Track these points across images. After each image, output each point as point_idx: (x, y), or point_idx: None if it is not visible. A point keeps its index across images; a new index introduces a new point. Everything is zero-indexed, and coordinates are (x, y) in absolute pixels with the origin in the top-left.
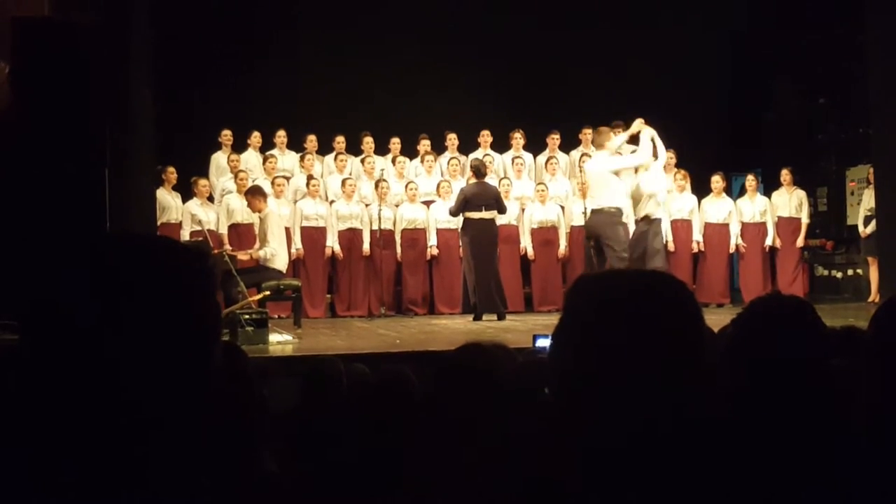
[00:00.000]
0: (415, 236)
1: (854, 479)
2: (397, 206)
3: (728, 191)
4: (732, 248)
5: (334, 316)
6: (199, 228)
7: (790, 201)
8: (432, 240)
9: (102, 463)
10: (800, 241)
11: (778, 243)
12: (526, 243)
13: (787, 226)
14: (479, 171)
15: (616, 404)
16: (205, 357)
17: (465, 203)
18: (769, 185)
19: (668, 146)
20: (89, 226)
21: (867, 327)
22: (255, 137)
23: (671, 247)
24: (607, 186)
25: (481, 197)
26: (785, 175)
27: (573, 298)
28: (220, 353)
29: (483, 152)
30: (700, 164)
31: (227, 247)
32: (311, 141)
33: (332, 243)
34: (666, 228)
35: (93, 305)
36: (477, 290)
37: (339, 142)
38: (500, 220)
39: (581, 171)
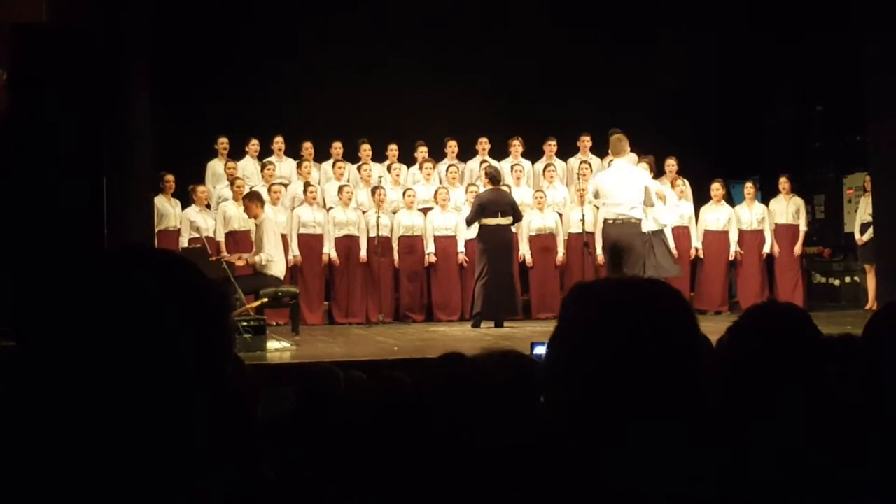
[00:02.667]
0: (412, 243)
1: (851, 483)
2: (394, 212)
3: (728, 198)
4: (732, 256)
5: (332, 323)
6: (197, 235)
7: (788, 208)
8: (430, 247)
9: (105, 472)
10: (797, 249)
11: (776, 250)
12: (524, 250)
13: (784, 233)
14: (494, 177)
15: (611, 412)
16: (218, 377)
17: (481, 209)
18: (767, 193)
19: (668, 153)
20: (87, 233)
21: (862, 334)
22: (253, 145)
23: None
24: (638, 197)
25: (497, 203)
26: (783, 182)
27: (569, 306)
28: (231, 374)
29: (481, 159)
30: (699, 171)
31: (225, 254)
32: (309, 148)
33: (330, 250)
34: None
35: (111, 318)
36: (484, 297)
37: (337, 148)
38: None
39: (581, 177)
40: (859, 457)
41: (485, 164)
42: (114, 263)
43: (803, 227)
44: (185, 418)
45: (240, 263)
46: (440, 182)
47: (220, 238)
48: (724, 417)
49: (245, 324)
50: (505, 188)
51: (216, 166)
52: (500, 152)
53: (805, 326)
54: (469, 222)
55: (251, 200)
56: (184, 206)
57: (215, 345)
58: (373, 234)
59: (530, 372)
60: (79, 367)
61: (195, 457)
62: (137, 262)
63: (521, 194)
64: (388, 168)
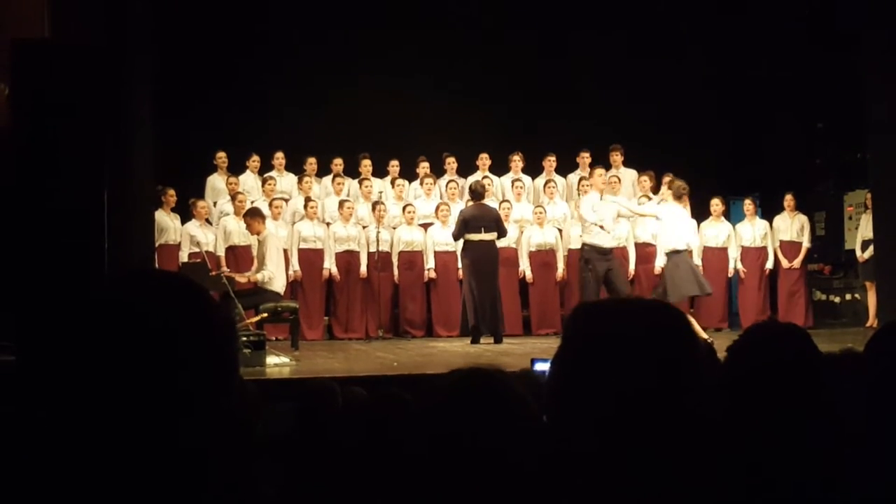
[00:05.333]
0: (412, 259)
1: (852, 499)
2: (395, 228)
3: (727, 214)
4: (731, 273)
5: (332, 338)
6: (197, 250)
7: (792, 226)
8: (430, 262)
9: (107, 490)
10: (796, 263)
11: (782, 266)
12: (524, 266)
13: (789, 250)
14: (477, 193)
15: (615, 431)
16: (222, 399)
17: (465, 225)
18: (767, 210)
19: (667, 169)
20: (88, 248)
21: (863, 351)
22: (254, 160)
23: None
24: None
25: (480, 219)
26: (788, 200)
27: (573, 326)
28: (235, 396)
29: (482, 175)
30: (699, 187)
31: (225, 269)
32: (310, 163)
33: (330, 265)
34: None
35: (118, 342)
36: (476, 312)
37: (337, 164)
38: (499, 242)
39: (581, 193)
40: (862, 473)
41: (485, 180)
42: (122, 287)
43: (806, 245)
44: (188, 438)
45: (242, 280)
46: (441, 197)
47: (221, 253)
48: (725, 435)
49: (245, 339)
50: (491, 204)
51: (216, 181)
52: (500, 168)
53: (805, 345)
54: (455, 238)
55: (253, 217)
56: (184, 221)
57: (221, 368)
58: (373, 249)
59: (495, 385)
60: (83, 386)
61: (196, 475)
62: (144, 285)
63: (522, 210)
64: (392, 183)
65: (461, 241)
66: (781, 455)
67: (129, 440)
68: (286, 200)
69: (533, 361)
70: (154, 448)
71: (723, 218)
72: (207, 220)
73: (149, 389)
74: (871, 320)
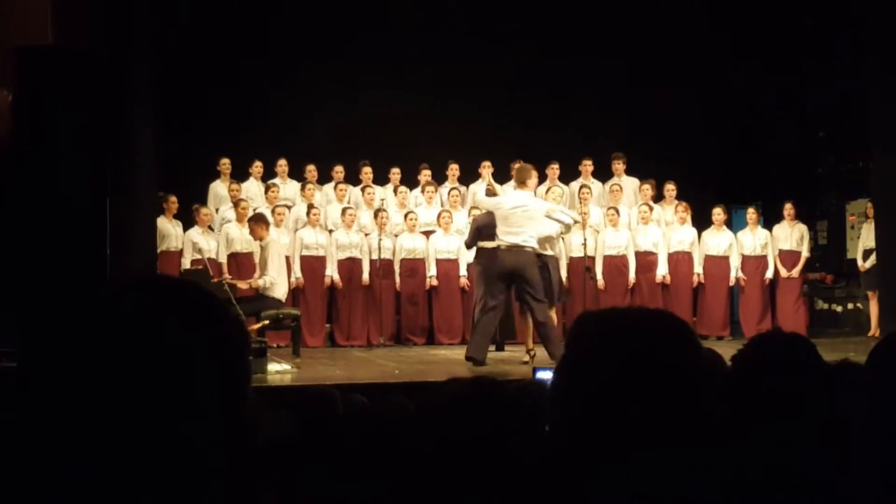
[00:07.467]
0: (414, 266)
1: None
2: (397, 235)
3: (728, 223)
4: (732, 281)
5: (333, 345)
6: (199, 257)
7: (792, 234)
8: (432, 270)
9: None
10: (795, 273)
11: (781, 276)
12: None
13: (788, 259)
14: None
15: (617, 441)
16: (234, 407)
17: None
18: (769, 219)
19: (669, 178)
20: (90, 254)
21: (865, 362)
22: (257, 167)
23: (667, 279)
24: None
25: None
26: (788, 209)
27: (576, 336)
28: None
29: (484, 183)
30: (701, 196)
31: (227, 275)
32: (309, 171)
33: (332, 272)
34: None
35: (132, 350)
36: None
37: (339, 171)
38: None
39: (582, 201)
40: (864, 483)
41: (487, 185)
42: (135, 294)
43: (805, 254)
44: (199, 445)
45: (243, 286)
46: (442, 205)
47: (223, 259)
48: (729, 442)
49: None
50: None
51: (218, 188)
52: (502, 176)
53: (810, 356)
54: (468, 245)
55: (257, 223)
56: (186, 228)
57: (234, 375)
58: (375, 256)
59: (497, 396)
60: (95, 392)
61: (203, 481)
62: (157, 292)
63: None
64: (395, 191)
65: (462, 249)
66: (785, 463)
67: (140, 446)
68: (289, 207)
69: (535, 370)
70: (163, 454)
71: (724, 227)
72: (210, 227)
73: (162, 396)
74: (874, 329)
